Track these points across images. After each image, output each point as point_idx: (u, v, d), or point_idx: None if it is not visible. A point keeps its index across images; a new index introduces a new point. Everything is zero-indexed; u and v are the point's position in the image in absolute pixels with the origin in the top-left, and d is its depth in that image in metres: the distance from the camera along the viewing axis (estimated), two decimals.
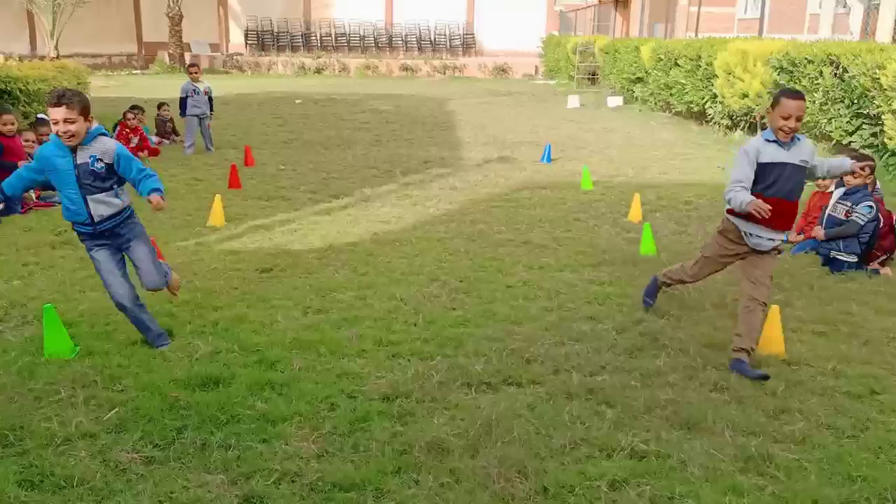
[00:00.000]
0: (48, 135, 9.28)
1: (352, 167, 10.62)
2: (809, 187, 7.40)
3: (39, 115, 10.29)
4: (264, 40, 33.80)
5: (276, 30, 33.85)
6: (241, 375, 4.06)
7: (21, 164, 8.00)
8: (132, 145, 11.23)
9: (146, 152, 11.35)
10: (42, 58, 21.74)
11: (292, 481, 3.15)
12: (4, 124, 8.08)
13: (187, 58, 29.73)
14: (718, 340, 4.63)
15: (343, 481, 3.13)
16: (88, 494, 3.01)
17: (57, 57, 23.03)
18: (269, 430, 3.54)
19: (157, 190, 4.32)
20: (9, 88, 10.65)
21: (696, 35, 20.88)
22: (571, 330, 4.83)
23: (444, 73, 31.22)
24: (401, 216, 7.85)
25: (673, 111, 16.78)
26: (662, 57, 16.44)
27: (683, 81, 15.22)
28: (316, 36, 33.83)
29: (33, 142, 8.74)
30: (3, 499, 2.93)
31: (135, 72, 30.48)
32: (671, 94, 16.12)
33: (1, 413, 3.57)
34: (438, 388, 4.02)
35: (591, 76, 24.30)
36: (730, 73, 13.07)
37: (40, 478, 3.10)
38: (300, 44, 33.79)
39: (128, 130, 11.29)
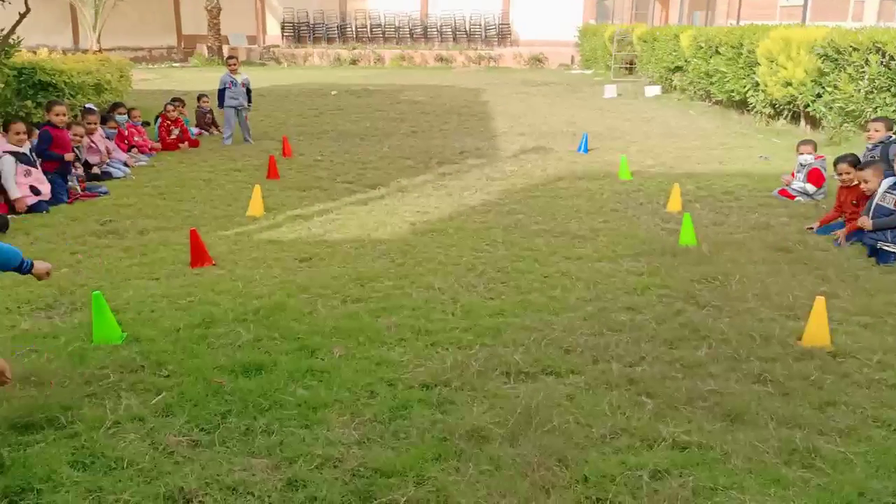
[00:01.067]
0: (95, 123, 9.52)
1: (388, 158, 10.66)
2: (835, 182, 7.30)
3: (86, 105, 10.51)
4: (300, 32, 34.01)
5: (312, 21, 34.03)
6: (282, 362, 4.12)
7: (68, 156, 8.20)
8: (172, 137, 11.41)
9: (186, 143, 11.52)
10: (85, 51, 22.15)
11: (334, 466, 3.19)
12: (57, 115, 8.27)
13: (225, 50, 30.06)
14: (761, 331, 4.57)
15: (384, 467, 3.17)
16: (137, 475, 3.09)
17: (99, 50, 23.43)
18: (310, 416, 3.59)
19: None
20: (54, 81, 10.88)
21: (738, 22, 20.50)
22: (610, 320, 4.80)
23: (480, 64, 31.10)
24: (437, 206, 7.87)
25: (713, 100, 16.52)
26: (703, 45, 16.18)
27: (724, 69, 14.96)
28: (351, 27, 33.93)
29: (81, 136, 8.93)
30: (56, 479, 3.02)
31: (174, 64, 30.90)
32: (711, 83, 15.86)
33: (53, 396, 3.67)
34: (477, 376, 4.03)
35: (628, 65, 24.03)
36: (772, 61, 12.82)
37: (91, 459, 3.19)
38: (336, 35, 33.93)
39: (169, 122, 11.47)
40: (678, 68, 18.40)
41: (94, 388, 3.79)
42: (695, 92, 17.50)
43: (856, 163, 6.81)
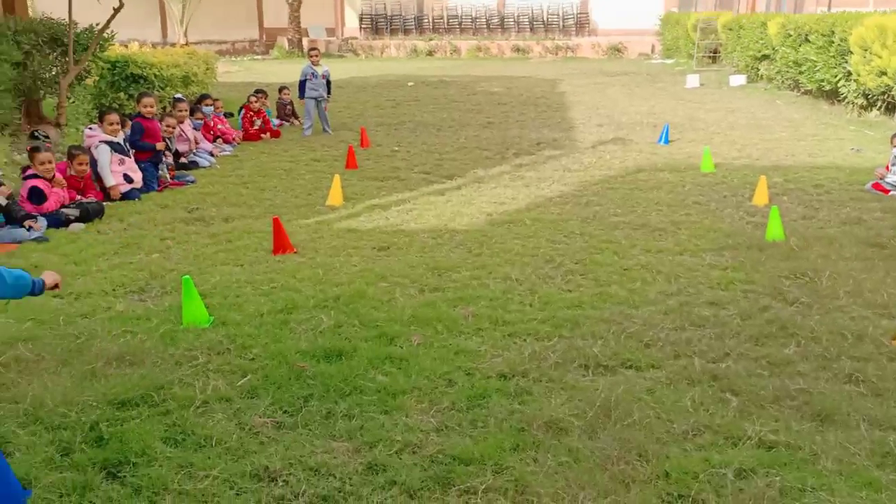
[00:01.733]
0: (185, 111, 9.86)
1: (464, 148, 10.67)
2: None
3: (176, 95, 10.89)
4: (378, 24, 34.34)
5: (389, 13, 34.31)
6: (362, 349, 4.19)
7: (159, 145, 8.53)
8: (255, 127, 11.71)
9: (268, 134, 11.81)
10: (172, 44, 22.94)
11: (413, 452, 3.23)
12: (146, 107, 8.60)
13: (305, 42, 30.61)
14: (853, 330, 4.39)
15: (462, 455, 3.19)
16: (225, 453, 3.20)
17: (186, 43, 24.21)
18: (389, 402, 3.64)
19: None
20: (145, 74, 11.32)
21: (829, 9, 19.66)
22: (692, 315, 4.70)
23: (557, 54, 30.76)
24: (514, 197, 7.84)
25: (802, 90, 15.90)
26: (791, 32, 15.57)
27: (814, 58, 14.37)
28: (428, 19, 34.05)
29: (173, 128, 9.26)
30: (150, 453, 3.16)
31: (256, 57, 31.67)
32: (800, 72, 15.26)
33: (147, 375, 3.84)
34: (555, 368, 4.01)
35: (712, 54, 23.36)
36: (866, 50, 12.24)
37: (182, 436, 3.32)
38: (413, 27, 34.11)
39: (252, 113, 11.77)
40: (765, 57, 17.78)
41: (184, 369, 3.94)
42: (782, 81, 16.87)
43: None
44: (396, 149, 10.70)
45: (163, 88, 11.62)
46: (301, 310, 4.79)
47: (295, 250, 6.02)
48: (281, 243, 6.00)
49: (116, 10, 10.72)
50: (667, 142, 10.85)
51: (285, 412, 3.54)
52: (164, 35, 29.76)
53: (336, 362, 4.04)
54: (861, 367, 3.94)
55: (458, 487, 2.99)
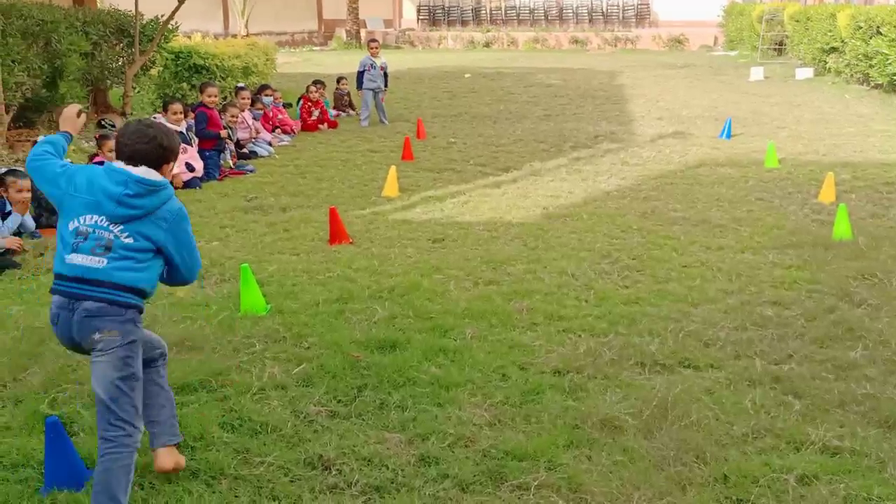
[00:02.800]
0: (247, 99, 10.01)
1: (521, 141, 10.60)
2: None
3: (238, 84, 11.07)
4: (435, 15, 34.32)
5: (447, 5, 34.25)
6: (416, 340, 4.20)
7: (223, 132, 8.69)
8: (313, 118, 11.84)
9: (326, 125, 11.92)
10: (234, 36, 23.35)
11: (466, 446, 3.23)
12: (209, 96, 8.77)
13: (363, 34, 30.79)
14: None
15: (515, 450, 3.17)
16: (281, 440, 3.24)
17: (247, 35, 24.61)
18: (442, 395, 3.64)
19: None
20: (207, 64, 11.54)
21: None
22: (754, 314, 4.57)
23: (615, 46, 30.28)
24: (571, 191, 7.75)
25: (872, 84, 15.32)
26: (862, 24, 15.01)
27: (886, 51, 13.83)
28: (486, 10, 33.89)
29: (236, 117, 9.42)
30: (208, 438, 3.22)
31: (314, 48, 32.00)
32: (871, 66, 14.71)
33: (206, 361, 3.92)
34: (611, 365, 3.95)
35: (777, 46, 22.68)
36: None
37: (239, 422, 3.38)
38: (470, 18, 33.99)
39: (310, 104, 11.89)
40: (833, 49, 17.18)
41: (242, 356, 4.01)
42: (851, 75, 16.29)
43: None
44: (452, 140, 10.68)
45: (224, 79, 11.83)
46: (356, 300, 4.82)
47: (351, 241, 6.07)
48: (337, 233, 6.05)
49: (181, 2, 10.96)
50: (729, 136, 10.58)
51: (339, 402, 3.58)
52: (226, 26, 30.29)
53: (390, 353, 4.06)
54: None
55: (510, 483, 2.97)
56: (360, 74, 12.09)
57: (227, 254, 5.72)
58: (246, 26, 27.62)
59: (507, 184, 8.11)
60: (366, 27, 32.59)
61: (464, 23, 34.00)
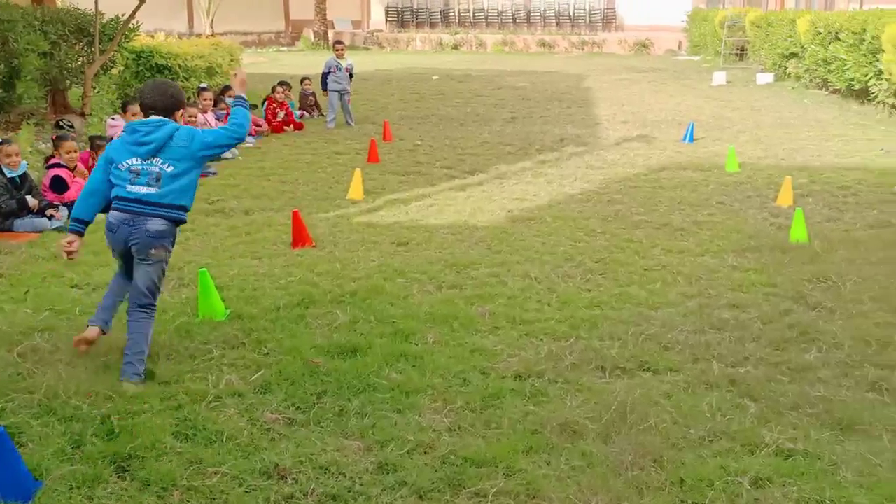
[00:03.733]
0: (210, 100, 9.88)
1: (487, 144, 10.61)
2: None
3: (201, 85, 10.94)
4: (404, 17, 34.28)
5: (415, 6, 34.24)
6: (377, 346, 4.17)
7: None
8: (278, 119, 11.73)
9: (291, 126, 11.82)
10: (199, 35, 23.08)
11: (425, 453, 3.21)
12: None
13: (330, 35, 30.65)
14: (877, 336, 4.30)
15: (474, 456, 3.16)
16: (236, 449, 3.19)
17: (212, 34, 24.36)
18: (403, 400, 3.61)
19: None
20: (169, 64, 11.38)
21: (861, 6, 19.30)
22: (712, 317, 4.62)
23: (583, 49, 30.52)
24: (536, 194, 7.78)
25: (831, 89, 15.62)
26: (821, 30, 15.30)
27: (845, 57, 14.10)
28: (454, 12, 33.94)
29: (195, 117, 9.30)
30: (160, 448, 3.16)
31: (282, 48, 31.78)
32: (830, 71, 14.99)
33: (160, 368, 3.84)
34: (571, 369, 3.97)
35: (739, 52, 23.03)
36: None
37: (193, 431, 3.32)
38: (438, 20, 34.02)
39: (275, 105, 11.79)
40: (793, 55, 17.49)
41: (198, 363, 3.95)
42: (811, 80, 16.60)
43: None
44: (419, 143, 10.67)
45: (187, 79, 11.68)
46: (317, 305, 4.78)
47: (314, 244, 6.01)
48: (300, 237, 6.00)
49: (141, 2, 10.79)
50: (692, 140, 10.71)
51: (298, 409, 3.53)
52: (191, 26, 29.94)
53: (350, 359, 4.03)
54: (885, 376, 3.86)
55: (468, 490, 2.96)
56: (325, 76, 12.02)
57: (186, 258, 5.63)
58: (211, 26, 27.34)
59: (473, 186, 8.12)
60: (333, 28, 32.45)
61: (432, 24, 34.01)
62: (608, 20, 32.73)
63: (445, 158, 9.57)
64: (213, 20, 27.96)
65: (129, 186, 3.72)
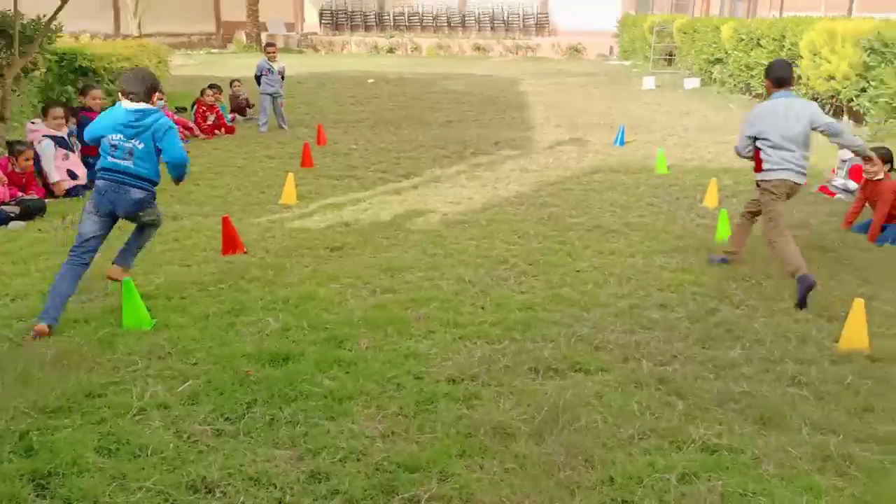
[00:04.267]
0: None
1: (422, 147, 10.62)
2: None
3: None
4: (338, 20, 34.06)
5: (350, 9, 34.05)
6: (309, 353, 4.11)
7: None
8: (208, 123, 11.49)
9: (222, 130, 11.60)
10: (126, 37, 22.44)
11: (357, 460, 3.18)
12: (94, 98, 8.37)
13: (263, 37, 30.20)
14: (797, 332, 4.46)
15: (407, 462, 3.14)
16: (161, 463, 3.10)
17: (139, 36, 23.72)
18: (335, 407, 3.57)
19: None
20: (93, 66, 11.02)
21: (781, 14, 20.05)
22: (642, 317, 4.72)
23: (517, 53, 30.86)
24: (470, 197, 7.81)
25: (753, 93, 16.17)
26: (744, 37, 15.84)
27: (765, 62, 14.61)
28: (389, 16, 33.88)
29: None
30: (81, 464, 3.05)
31: (213, 51, 31.16)
32: (752, 76, 15.53)
33: (82, 382, 3.70)
34: (505, 372, 3.99)
35: (667, 57, 23.65)
36: (816, 54, 12.50)
37: (116, 445, 3.21)
38: (374, 23, 33.91)
39: (204, 108, 11.54)
40: (718, 60, 18.05)
41: (122, 375, 3.83)
42: (735, 85, 17.15)
43: (887, 157, 6.54)
44: (354, 147, 10.60)
45: (112, 82, 11.32)
46: (248, 312, 4.69)
47: (245, 250, 5.90)
48: (230, 243, 5.88)
49: (64, 1, 10.41)
50: (622, 143, 10.94)
51: (227, 419, 3.46)
52: (118, 27, 29.09)
53: (282, 366, 3.96)
54: (804, 370, 4.00)
55: (401, 496, 2.94)
56: (258, 78, 11.84)
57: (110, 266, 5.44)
58: (139, 27, 26.62)
59: (408, 190, 8.10)
60: (266, 30, 31.99)
61: (367, 28, 33.88)
62: (542, 25, 33.19)
63: (380, 162, 9.53)
64: (140, 21, 27.24)
65: (109, 158, 4.52)
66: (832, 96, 12.52)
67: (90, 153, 8.00)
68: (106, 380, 3.74)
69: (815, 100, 12.98)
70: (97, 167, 4.61)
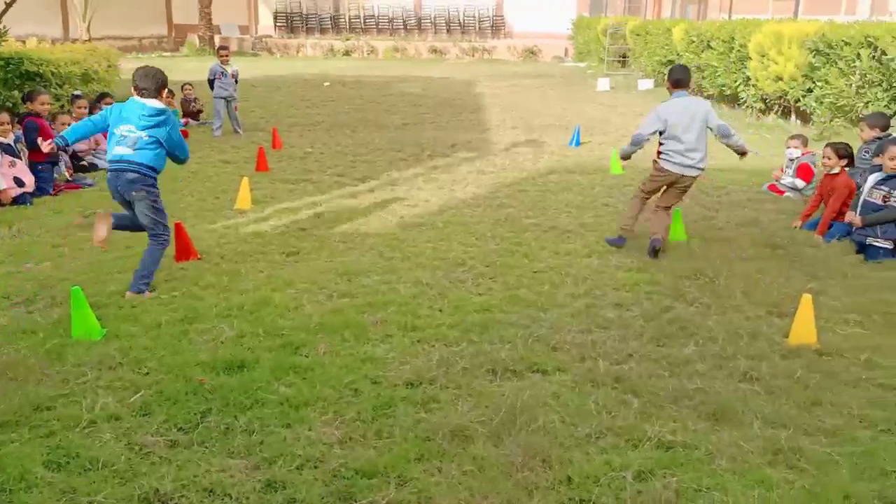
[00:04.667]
0: (85, 108, 9.39)
1: (379, 150, 10.59)
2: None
3: (74, 92, 10.39)
4: (293, 22, 33.81)
5: (305, 12, 33.82)
6: (265, 359, 4.07)
7: (44, 146, 8.08)
8: None
9: None
10: (74, 40, 21.95)
11: (315, 467, 3.15)
12: (42, 104, 8.17)
13: (217, 40, 29.84)
14: (748, 329, 4.55)
15: (365, 468, 3.12)
16: (113, 476, 3.03)
17: (89, 39, 23.22)
18: (292, 414, 3.54)
19: None
20: (41, 71, 10.76)
21: (730, 16, 20.46)
22: (598, 317, 4.77)
23: (473, 56, 30.99)
24: (427, 200, 7.81)
25: (705, 94, 16.47)
26: (695, 39, 16.13)
27: (716, 64, 14.92)
28: (345, 18, 33.74)
29: (68, 125, 8.80)
30: (29, 479, 2.96)
31: (164, 54, 30.67)
32: (703, 77, 15.82)
33: (30, 394, 3.61)
34: (463, 374, 3.99)
35: (621, 58, 23.97)
36: (763, 56, 12.79)
37: (66, 459, 3.13)
38: (329, 26, 33.74)
39: None
40: (671, 62, 18.34)
41: (71, 386, 3.73)
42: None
43: (843, 153, 6.71)
44: (309, 150, 10.52)
45: (60, 86, 11.06)
46: (202, 319, 4.62)
47: (199, 256, 5.82)
48: (184, 249, 5.78)
49: (9, 4, 10.16)
50: (578, 144, 11.05)
51: (180, 429, 3.39)
52: (66, 31, 28.45)
53: (237, 374, 3.91)
54: (755, 366, 4.08)
55: (359, 502, 2.92)
56: (211, 82, 11.69)
57: (59, 275, 5.33)
58: (88, 30, 26.06)
59: (365, 194, 8.07)
60: (220, 33, 31.60)
61: (323, 30, 33.70)
62: (497, 27, 33.39)
63: (337, 166, 9.48)
64: (89, 24, 26.65)
65: (114, 149, 5.00)
66: (780, 96, 12.81)
67: (38, 159, 7.82)
68: (55, 392, 3.65)
69: (764, 100, 13.30)
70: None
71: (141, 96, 4.96)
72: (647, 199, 6.36)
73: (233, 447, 3.26)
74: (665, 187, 6.19)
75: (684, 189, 6.18)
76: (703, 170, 6.09)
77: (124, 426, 3.40)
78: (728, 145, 6.03)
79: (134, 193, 5.01)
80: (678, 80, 6.10)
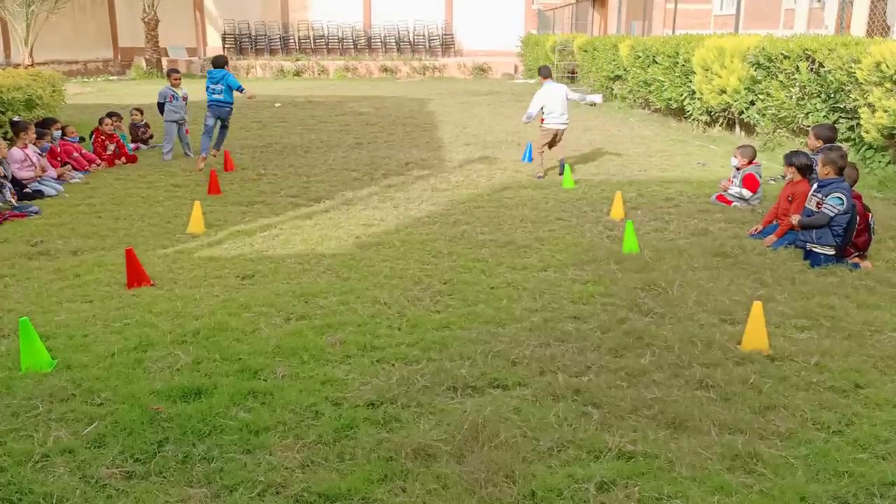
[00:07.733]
0: (31, 134, 9.15)
1: (333, 170, 10.56)
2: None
3: (14, 119, 10.14)
4: (242, 43, 33.59)
5: (253, 33, 33.64)
6: (223, 385, 4.01)
7: None
8: (108, 153, 11.11)
9: (123, 159, 11.22)
10: (17, 66, 21.46)
11: (277, 493, 3.11)
12: None
13: (164, 63, 29.48)
14: (702, 337, 4.63)
15: (329, 491, 3.10)
16: None
17: (32, 64, 22.73)
18: (252, 440, 3.49)
19: None
20: None
21: (673, 32, 20.97)
22: (556, 330, 4.81)
23: (424, 74, 31.17)
24: (383, 219, 7.81)
25: (652, 108, 16.84)
26: (640, 54, 16.49)
27: (662, 78, 15.27)
28: (294, 38, 33.65)
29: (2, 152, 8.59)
30: None
31: (111, 78, 30.17)
32: (650, 92, 16.17)
33: None
34: (424, 392, 3.99)
35: (570, 74, 24.35)
36: (707, 70, 13.13)
37: (18, 496, 3.04)
38: (279, 47, 33.60)
39: (104, 137, 11.15)
40: (618, 77, 18.72)
41: (22, 420, 3.62)
42: (634, 100, 17.81)
43: (799, 164, 6.91)
44: (262, 172, 10.43)
45: (3, 113, 10.80)
46: (157, 347, 4.53)
47: (151, 283, 5.71)
48: (136, 276, 5.67)
49: None
50: (530, 159, 11.17)
51: (137, 460, 3.32)
52: (8, 55, 27.79)
53: (194, 401, 3.84)
54: (710, 373, 4.16)
55: None
56: (161, 105, 11.53)
57: (5, 306, 5.18)
58: (30, 55, 25.49)
59: (319, 214, 8.03)
60: (167, 56, 31.23)
61: (272, 51, 33.54)
62: (447, 45, 33.66)
63: (290, 187, 9.42)
64: (32, 49, 26.08)
65: (213, 96, 10.63)
66: (724, 109, 13.15)
67: None
68: (5, 427, 3.54)
69: (709, 113, 13.65)
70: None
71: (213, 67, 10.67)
72: (544, 150, 10.17)
73: (192, 476, 3.20)
74: (551, 138, 10.09)
75: (561, 137, 10.14)
76: (567, 124, 10.19)
77: (78, 459, 3.31)
78: (580, 101, 10.87)
79: (227, 118, 10.92)
80: (547, 74, 10.46)
